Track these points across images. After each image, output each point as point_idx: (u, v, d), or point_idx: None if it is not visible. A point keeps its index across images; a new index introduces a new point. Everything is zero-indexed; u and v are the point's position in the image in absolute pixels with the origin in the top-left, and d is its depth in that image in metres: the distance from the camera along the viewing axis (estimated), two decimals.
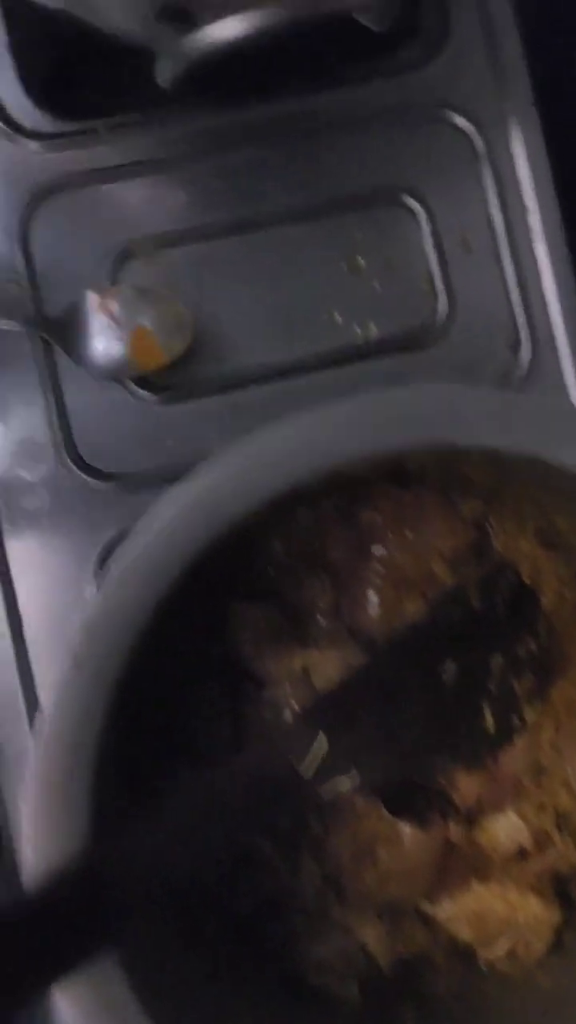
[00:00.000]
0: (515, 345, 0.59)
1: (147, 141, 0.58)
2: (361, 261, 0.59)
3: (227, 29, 0.38)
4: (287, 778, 0.41)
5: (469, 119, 0.59)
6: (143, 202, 0.58)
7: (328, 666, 0.50)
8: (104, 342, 0.56)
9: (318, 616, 0.51)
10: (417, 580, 0.51)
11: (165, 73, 0.42)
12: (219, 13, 0.38)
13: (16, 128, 0.57)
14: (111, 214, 0.58)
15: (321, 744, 0.43)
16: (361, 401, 0.36)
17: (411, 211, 0.59)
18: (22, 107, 0.57)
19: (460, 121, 0.59)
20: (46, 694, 0.55)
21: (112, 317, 0.56)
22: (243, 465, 0.36)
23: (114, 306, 0.56)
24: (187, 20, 0.45)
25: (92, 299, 0.56)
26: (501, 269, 0.59)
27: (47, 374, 0.57)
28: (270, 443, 0.36)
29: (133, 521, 0.55)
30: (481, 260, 0.59)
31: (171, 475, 0.55)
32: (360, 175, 0.59)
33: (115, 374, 0.56)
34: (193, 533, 0.36)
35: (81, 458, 0.57)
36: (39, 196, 0.57)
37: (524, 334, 0.59)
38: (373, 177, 0.59)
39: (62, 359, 0.57)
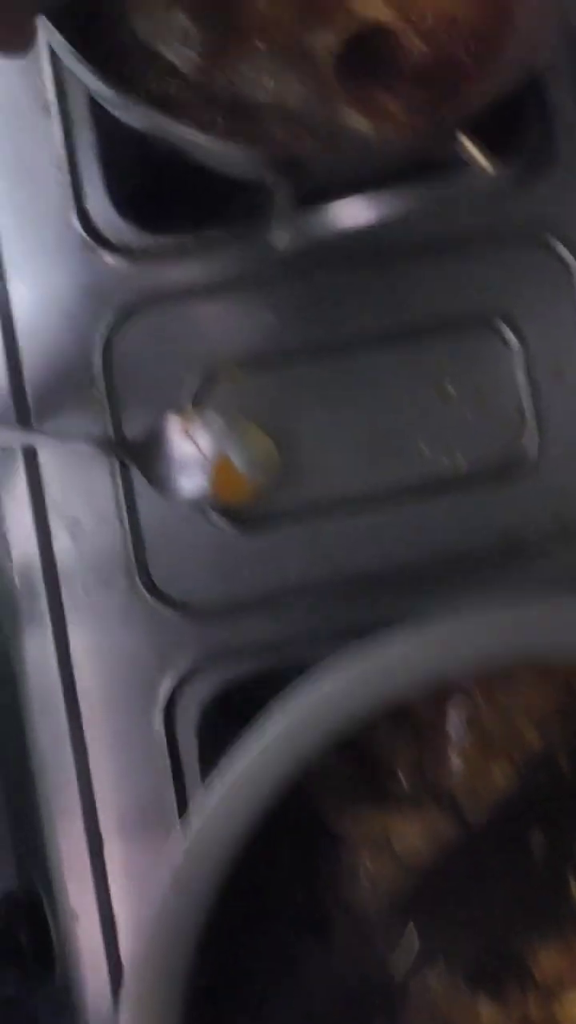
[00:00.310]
0: None
1: (236, 259, 0.56)
2: (451, 389, 0.57)
3: (353, 215, 0.36)
4: (380, 980, 0.39)
5: (569, 246, 0.57)
6: (229, 322, 0.56)
7: (410, 831, 0.48)
8: (185, 470, 0.55)
9: (399, 774, 0.50)
10: (504, 742, 0.49)
11: (283, 242, 0.40)
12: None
13: (103, 242, 0.56)
14: (196, 333, 0.56)
15: (412, 940, 0.41)
16: (472, 621, 0.34)
17: (504, 338, 0.57)
18: (110, 220, 0.56)
19: (559, 247, 0.57)
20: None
21: (194, 444, 0.54)
22: (354, 678, 0.34)
23: (197, 432, 0.54)
24: (299, 169, 0.44)
25: (174, 423, 0.55)
26: None
27: (123, 496, 0.55)
28: (381, 659, 0.34)
29: (204, 653, 0.53)
30: (575, 392, 0.57)
31: (246, 607, 0.55)
32: (452, 299, 0.57)
33: (195, 504, 0.54)
34: (300, 749, 0.34)
35: (154, 584, 0.55)
36: (125, 312, 0.56)
37: None
38: (465, 301, 0.57)
39: (139, 479, 0.55)
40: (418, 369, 0.57)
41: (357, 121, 0.50)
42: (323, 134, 0.50)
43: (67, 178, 0.55)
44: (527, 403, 0.57)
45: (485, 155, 0.43)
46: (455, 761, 0.49)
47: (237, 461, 0.54)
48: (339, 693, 0.34)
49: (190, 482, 0.54)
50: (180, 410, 0.56)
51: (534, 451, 0.57)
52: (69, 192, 0.55)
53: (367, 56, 0.51)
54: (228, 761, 0.37)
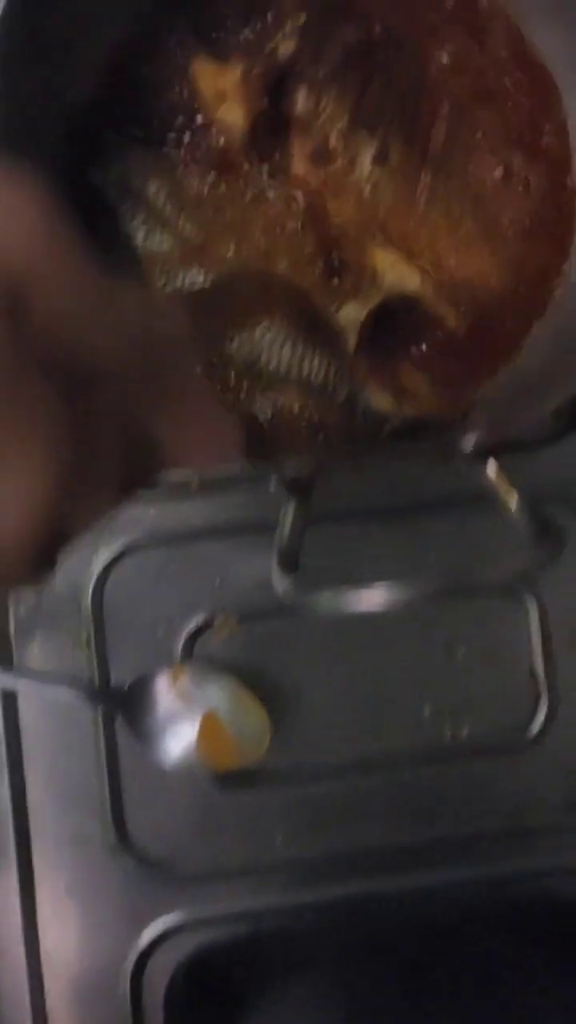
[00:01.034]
0: None
1: (240, 502, 0.53)
2: (460, 651, 0.53)
3: (367, 600, 0.33)
4: None
5: None
6: (230, 568, 0.53)
7: None
8: (171, 726, 0.52)
9: None
10: None
11: (282, 587, 0.37)
12: None
13: None
14: (194, 578, 0.53)
15: None
16: None
17: (519, 600, 0.54)
18: None
19: None
20: None
21: (183, 699, 0.51)
22: None
23: (187, 687, 0.51)
24: (309, 492, 0.40)
25: (163, 675, 0.52)
26: None
27: (104, 747, 0.52)
28: None
29: (178, 917, 0.50)
30: None
31: (226, 871, 0.51)
32: (468, 557, 0.54)
33: (179, 762, 0.51)
34: None
35: (130, 841, 0.53)
36: (120, 550, 0.52)
37: None
38: (481, 560, 0.53)
39: (123, 729, 0.52)
40: (428, 627, 0.53)
41: (379, 398, 0.46)
42: (341, 410, 0.46)
43: None
44: (540, 670, 0.54)
45: (508, 492, 0.39)
46: None
47: (227, 724, 0.51)
48: None
49: (176, 739, 0.51)
50: (171, 660, 0.52)
51: (542, 721, 0.53)
52: None
53: (393, 326, 0.48)
54: None
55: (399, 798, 0.53)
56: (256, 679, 0.53)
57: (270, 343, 0.46)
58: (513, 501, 0.40)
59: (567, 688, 0.53)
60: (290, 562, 0.38)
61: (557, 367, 0.44)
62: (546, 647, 0.53)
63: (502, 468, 0.40)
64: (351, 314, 0.46)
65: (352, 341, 0.46)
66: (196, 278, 0.47)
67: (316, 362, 0.45)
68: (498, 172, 0.49)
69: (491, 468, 0.40)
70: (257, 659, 0.53)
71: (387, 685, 0.53)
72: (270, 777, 0.53)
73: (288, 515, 0.39)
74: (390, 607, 0.33)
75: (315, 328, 0.46)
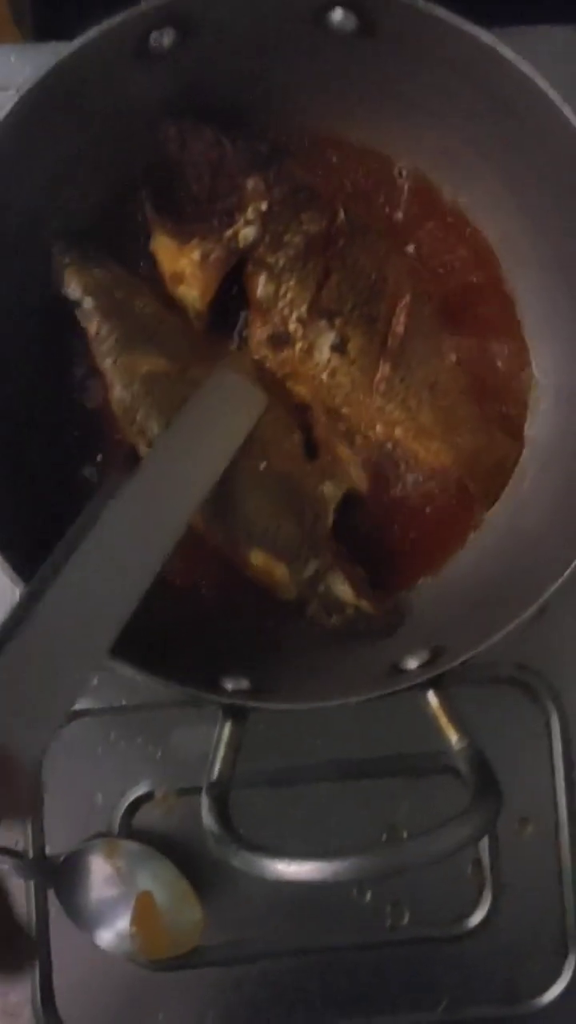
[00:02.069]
0: (561, 952, 0.52)
1: None
2: (404, 833, 0.52)
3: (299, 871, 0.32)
4: None
5: (551, 693, 0.52)
6: (170, 739, 0.52)
7: None
8: (105, 903, 0.50)
9: None
10: None
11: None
12: None
13: None
14: (134, 748, 0.52)
15: None
16: None
17: (466, 782, 0.52)
18: None
19: (541, 692, 0.52)
20: None
21: (118, 877, 0.50)
22: None
23: (122, 865, 0.50)
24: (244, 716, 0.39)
25: (98, 852, 0.50)
26: (559, 862, 0.53)
27: (35, 923, 0.51)
28: None
29: None
30: (537, 848, 0.53)
31: None
32: (417, 734, 0.52)
33: (111, 941, 0.50)
34: None
35: (58, 1014, 0.51)
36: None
37: (572, 944, 0.52)
38: (432, 740, 0.52)
39: (55, 906, 0.51)
40: (371, 808, 0.52)
41: (341, 587, 0.45)
42: (302, 587, 0.45)
43: None
44: (485, 855, 0.52)
45: (455, 725, 0.38)
46: None
47: (161, 909, 0.50)
48: None
49: (109, 917, 0.50)
50: (109, 828, 0.51)
51: (485, 910, 0.52)
52: None
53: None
54: None
55: (336, 984, 0.52)
56: (194, 854, 0.51)
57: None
58: (454, 737, 0.39)
59: (512, 878, 0.52)
60: (221, 796, 0.37)
61: (512, 582, 0.43)
62: (493, 836, 0.52)
63: (443, 700, 0.39)
64: (330, 491, 0.45)
65: (329, 519, 0.45)
66: None
67: (292, 528, 0.44)
68: (452, 358, 0.48)
69: (432, 699, 0.39)
70: (196, 834, 0.51)
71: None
72: (204, 957, 0.51)
73: (221, 741, 0.38)
74: (318, 881, 0.32)
75: (296, 495, 0.45)
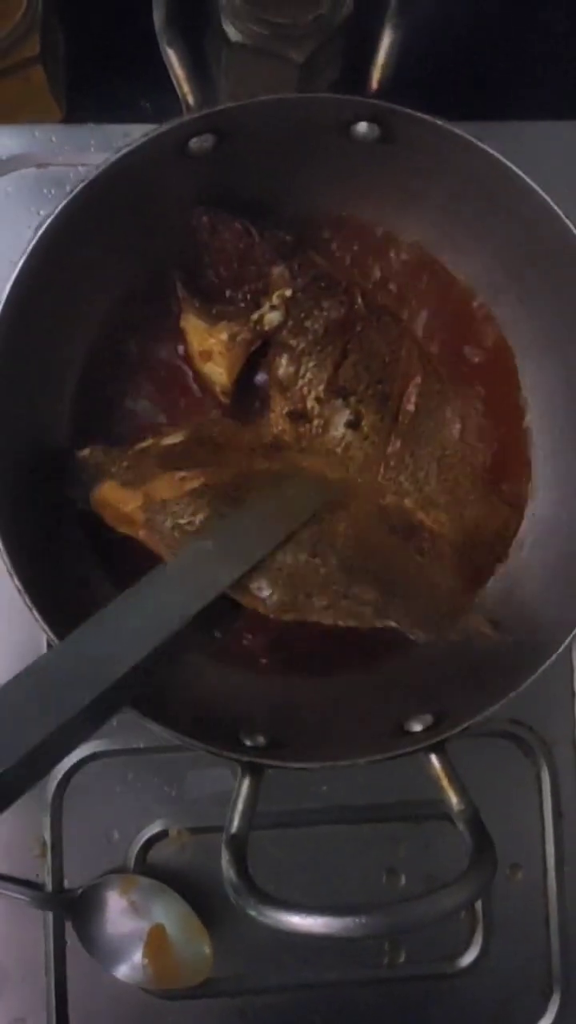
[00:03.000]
0: (547, 993, 0.55)
1: None
2: (402, 877, 0.56)
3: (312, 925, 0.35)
4: None
5: (541, 743, 0.56)
6: (185, 780, 0.55)
7: None
8: (119, 935, 0.53)
9: None
10: None
11: None
12: None
13: None
14: (151, 788, 0.55)
15: None
16: None
17: (465, 844, 0.56)
18: None
19: (530, 739, 0.56)
20: None
21: (133, 911, 0.53)
22: None
23: (136, 899, 0.53)
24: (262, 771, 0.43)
25: (114, 886, 0.53)
26: (546, 907, 0.56)
27: (53, 953, 0.54)
28: None
29: None
30: (526, 893, 0.56)
31: None
32: (417, 783, 0.55)
33: (125, 972, 0.53)
34: None
35: None
36: (83, 757, 0.54)
37: (557, 983, 0.55)
38: (431, 788, 0.56)
39: (72, 937, 0.54)
40: (371, 850, 0.56)
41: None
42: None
43: None
44: (478, 901, 0.56)
45: (455, 788, 0.42)
46: None
47: (173, 942, 0.53)
48: None
49: (123, 949, 0.53)
50: (125, 865, 0.54)
51: (477, 951, 0.56)
52: None
53: None
54: None
55: (336, 1017, 0.55)
56: (205, 891, 0.54)
57: None
58: (455, 799, 0.42)
59: (502, 921, 0.55)
60: (240, 848, 0.40)
61: (512, 652, 0.46)
62: None
63: (445, 764, 0.42)
64: None
65: None
66: None
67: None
68: (456, 430, 0.52)
69: (435, 762, 0.43)
70: (208, 872, 0.55)
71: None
72: (210, 989, 0.54)
73: (240, 796, 0.42)
74: (328, 936, 0.35)
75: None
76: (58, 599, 0.43)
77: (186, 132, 0.44)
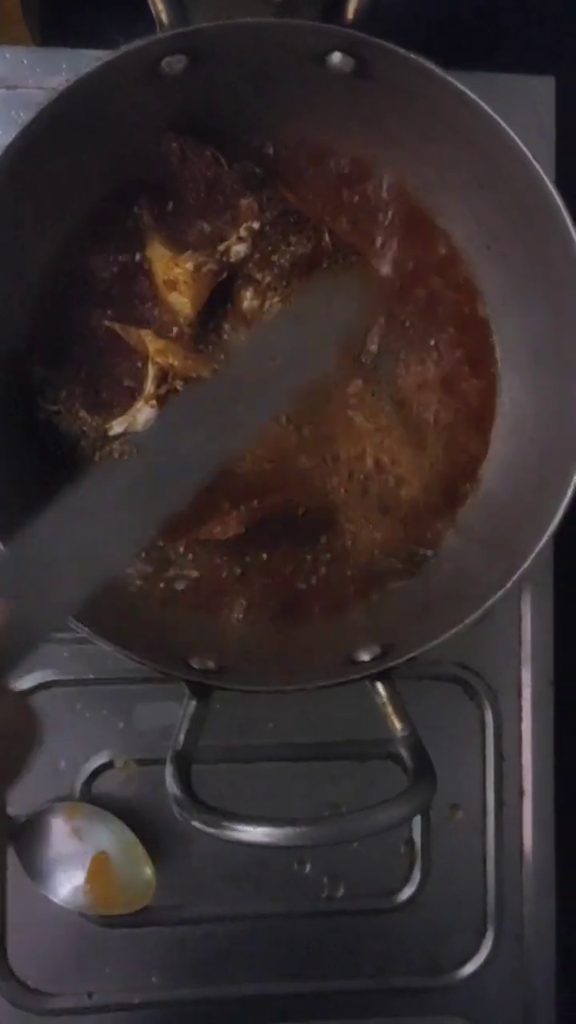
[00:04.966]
0: (481, 930, 0.57)
1: None
2: (343, 811, 0.56)
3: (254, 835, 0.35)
4: None
5: (486, 689, 0.57)
6: (133, 712, 0.55)
7: None
8: (62, 862, 0.54)
9: None
10: None
11: None
12: None
13: None
14: (99, 719, 0.55)
15: None
16: None
17: (406, 768, 0.57)
18: None
19: (478, 687, 0.57)
20: None
21: (77, 838, 0.53)
22: None
23: (81, 826, 0.53)
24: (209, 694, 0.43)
25: (59, 814, 0.54)
26: (484, 847, 0.57)
27: None
28: None
29: None
30: (465, 833, 0.57)
31: (102, 1006, 0.54)
32: (362, 723, 0.56)
33: (67, 898, 0.53)
34: None
35: (10, 968, 0.54)
36: (33, 686, 0.54)
37: (491, 922, 0.57)
38: (376, 728, 0.56)
39: (14, 863, 0.54)
40: (316, 787, 0.56)
41: None
42: None
43: None
44: (418, 836, 0.57)
45: (399, 715, 0.42)
46: None
47: (116, 869, 0.53)
48: None
49: (66, 876, 0.53)
50: (70, 794, 0.54)
51: (414, 887, 0.57)
52: None
53: None
54: None
55: (273, 949, 0.56)
56: (149, 822, 0.55)
57: None
58: (398, 725, 0.43)
59: (440, 859, 0.56)
60: (184, 767, 0.40)
61: (460, 590, 0.47)
62: (426, 820, 0.56)
63: (391, 692, 0.43)
64: None
65: None
66: None
67: None
68: (418, 372, 0.52)
69: (381, 689, 0.43)
70: (152, 803, 0.55)
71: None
72: (151, 917, 0.55)
73: (186, 716, 0.42)
74: (268, 845, 0.36)
75: None
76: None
77: (158, 51, 0.44)
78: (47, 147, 0.44)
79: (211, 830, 0.37)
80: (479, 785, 0.58)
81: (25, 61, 0.56)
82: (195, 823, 0.38)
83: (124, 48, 0.43)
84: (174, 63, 0.45)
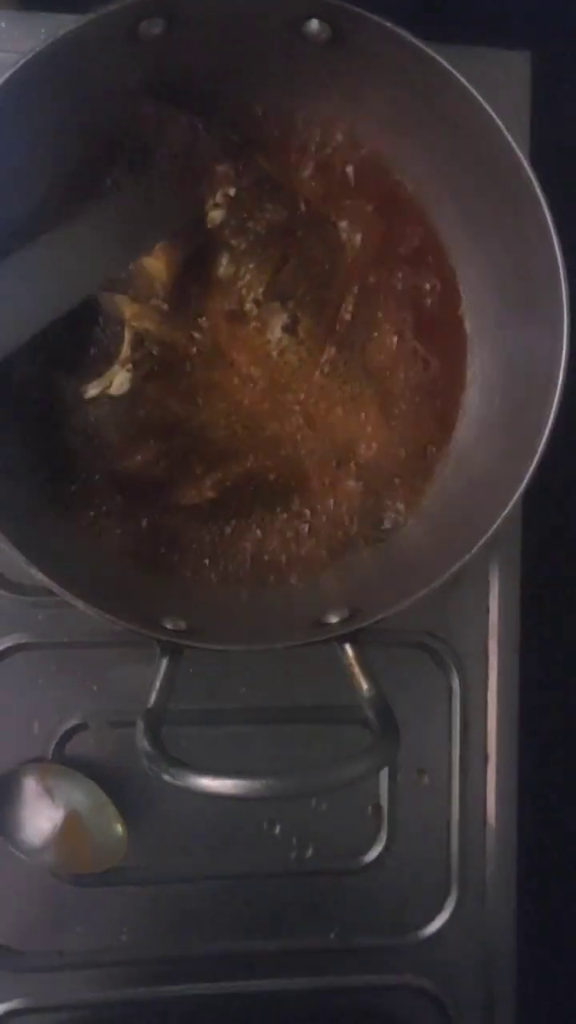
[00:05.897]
0: (444, 891, 0.58)
1: None
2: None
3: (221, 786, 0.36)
4: None
5: (453, 657, 0.58)
6: (106, 675, 0.56)
7: None
8: (33, 820, 0.54)
9: None
10: None
11: None
12: None
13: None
14: (73, 681, 0.56)
15: None
16: None
17: (373, 732, 0.58)
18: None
19: (444, 653, 0.58)
20: None
21: (48, 797, 0.54)
22: None
23: (53, 787, 0.54)
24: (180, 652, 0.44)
25: (31, 772, 0.54)
26: (448, 811, 0.58)
27: None
28: None
29: (18, 1002, 0.53)
30: (430, 797, 0.58)
31: (71, 962, 0.55)
32: (331, 688, 0.57)
33: (36, 855, 0.54)
34: None
35: None
36: (5, 648, 0.55)
37: (454, 884, 0.58)
38: (344, 694, 0.57)
39: None
40: (285, 749, 0.57)
41: None
42: None
43: None
44: (384, 800, 0.58)
45: (366, 675, 0.43)
46: None
47: (87, 829, 0.54)
48: None
49: (36, 834, 0.54)
50: (43, 756, 0.55)
51: (380, 849, 0.58)
52: None
53: None
54: None
55: (242, 909, 0.57)
56: (122, 783, 0.56)
57: None
58: (365, 686, 0.44)
59: (406, 822, 0.58)
60: (155, 723, 0.41)
61: (428, 555, 0.48)
62: (392, 784, 0.58)
63: (358, 653, 0.44)
64: None
65: None
66: None
67: None
68: (393, 341, 0.53)
69: (349, 650, 0.44)
70: (125, 765, 0.56)
71: (242, 802, 0.57)
72: (122, 877, 0.56)
73: (158, 675, 0.43)
74: (236, 796, 0.37)
75: None
76: None
77: (136, 14, 0.44)
78: (22, 107, 0.44)
79: (179, 783, 0.38)
80: (445, 750, 0.59)
81: (3, 24, 0.55)
82: (164, 776, 0.38)
83: (104, 9, 0.43)
84: (151, 26, 0.45)
